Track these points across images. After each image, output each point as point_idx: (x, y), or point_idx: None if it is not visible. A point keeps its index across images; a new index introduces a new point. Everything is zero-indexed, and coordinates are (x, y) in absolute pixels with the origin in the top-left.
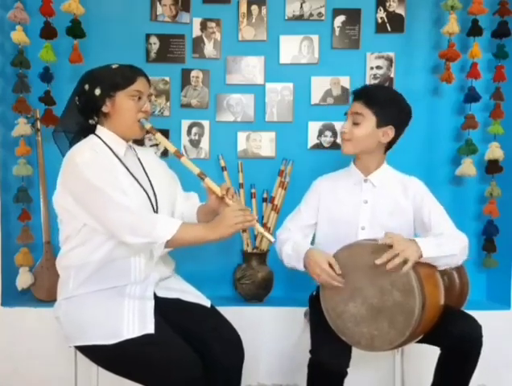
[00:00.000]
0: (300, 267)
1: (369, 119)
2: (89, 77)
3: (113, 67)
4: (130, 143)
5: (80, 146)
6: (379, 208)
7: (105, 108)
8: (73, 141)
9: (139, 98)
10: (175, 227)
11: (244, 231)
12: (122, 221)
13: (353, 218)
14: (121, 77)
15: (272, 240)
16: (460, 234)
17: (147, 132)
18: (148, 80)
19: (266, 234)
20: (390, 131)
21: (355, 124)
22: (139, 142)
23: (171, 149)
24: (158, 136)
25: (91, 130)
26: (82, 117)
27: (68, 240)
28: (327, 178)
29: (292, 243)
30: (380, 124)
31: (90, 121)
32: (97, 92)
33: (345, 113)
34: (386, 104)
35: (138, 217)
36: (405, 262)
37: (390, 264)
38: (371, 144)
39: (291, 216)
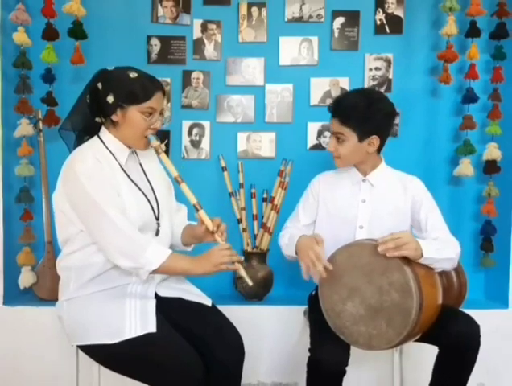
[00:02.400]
0: (293, 253)
1: (349, 137)
2: (104, 78)
3: (132, 76)
4: (133, 148)
5: (81, 152)
6: (377, 208)
7: (114, 117)
8: (78, 138)
9: (151, 114)
10: (164, 256)
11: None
12: (113, 242)
13: (351, 217)
14: (138, 91)
15: (250, 284)
16: (453, 240)
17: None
18: (164, 94)
19: (247, 277)
20: (374, 140)
21: (339, 142)
22: None
23: (174, 173)
24: (163, 156)
25: (97, 128)
26: (90, 114)
27: (68, 243)
28: (325, 176)
29: (289, 234)
30: (362, 138)
31: (97, 119)
32: (110, 99)
33: (329, 130)
34: (362, 118)
35: (130, 241)
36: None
37: (383, 246)
38: (360, 157)
39: (290, 217)
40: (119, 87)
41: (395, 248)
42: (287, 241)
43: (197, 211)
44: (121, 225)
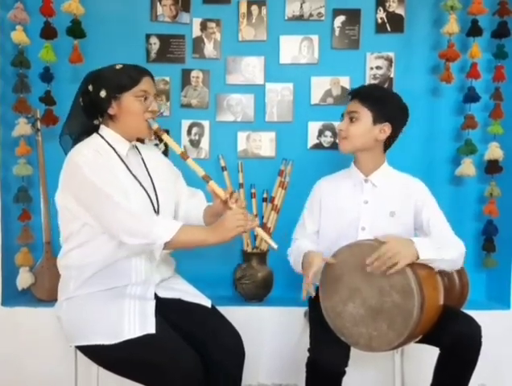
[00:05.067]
0: (301, 271)
1: (364, 115)
2: (93, 78)
3: (117, 67)
4: (134, 143)
5: (81, 146)
6: (379, 209)
7: (111, 110)
8: (76, 142)
9: (145, 98)
10: (175, 229)
11: (244, 232)
12: (121, 222)
13: (353, 219)
14: (126, 78)
15: (275, 246)
16: (458, 241)
17: (154, 132)
18: (153, 79)
19: (268, 239)
20: (386, 128)
21: (351, 122)
22: (140, 140)
23: (178, 150)
24: (165, 137)
25: (95, 131)
26: (86, 117)
27: (68, 240)
28: (328, 180)
29: (295, 249)
30: (376, 120)
31: (95, 122)
32: (103, 93)
33: (342, 114)
34: (380, 100)
35: (137, 218)
36: (395, 264)
37: (375, 266)
38: (368, 141)
39: (296, 227)
40: (108, 80)
41: (384, 264)
42: (294, 258)
43: (207, 182)
44: (126, 206)
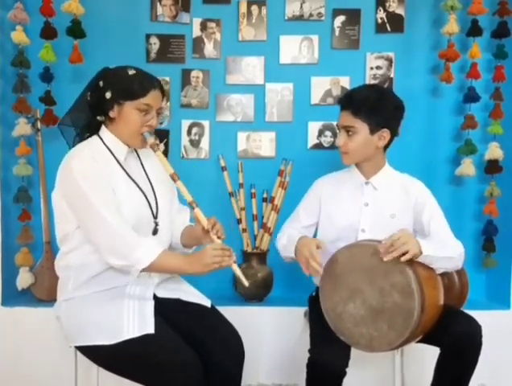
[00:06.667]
0: (292, 254)
1: (360, 128)
2: (105, 76)
3: (130, 73)
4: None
5: (79, 150)
6: (380, 211)
7: (111, 113)
8: (79, 136)
9: (147, 112)
10: (155, 254)
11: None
12: (105, 240)
13: (353, 221)
14: (134, 87)
15: (246, 284)
16: (456, 242)
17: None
18: (163, 93)
19: (242, 277)
20: (385, 134)
21: (348, 135)
22: None
23: (169, 171)
24: (159, 154)
25: (97, 127)
26: (90, 112)
27: (65, 241)
28: (328, 179)
29: (287, 235)
30: (373, 130)
31: (98, 118)
32: (108, 95)
33: (337, 125)
34: (374, 109)
35: (121, 239)
36: (404, 254)
37: (388, 256)
38: (369, 151)
39: (289, 219)
40: (117, 83)
41: (396, 250)
42: (286, 242)
43: (193, 209)
44: (113, 223)
